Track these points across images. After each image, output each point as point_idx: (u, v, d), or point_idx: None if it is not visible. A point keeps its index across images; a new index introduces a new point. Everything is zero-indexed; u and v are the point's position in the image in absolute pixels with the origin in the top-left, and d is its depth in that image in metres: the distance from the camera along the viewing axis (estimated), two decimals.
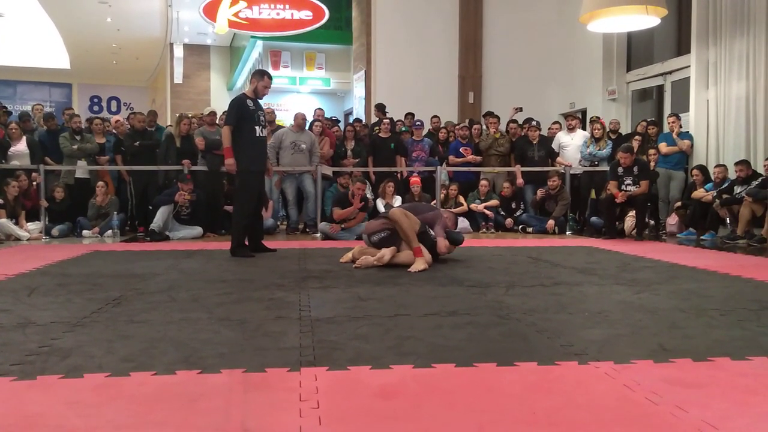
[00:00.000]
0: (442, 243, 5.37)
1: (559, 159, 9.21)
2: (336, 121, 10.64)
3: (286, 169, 8.54)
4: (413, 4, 12.26)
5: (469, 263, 5.41)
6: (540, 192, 8.84)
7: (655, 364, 2.44)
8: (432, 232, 5.38)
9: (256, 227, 6.35)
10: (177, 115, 9.49)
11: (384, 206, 8.28)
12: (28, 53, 21.80)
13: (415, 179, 8.70)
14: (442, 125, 10.38)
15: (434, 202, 8.55)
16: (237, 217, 6.23)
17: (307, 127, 8.88)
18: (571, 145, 9.24)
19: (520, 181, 9.06)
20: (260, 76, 6.24)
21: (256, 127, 6.09)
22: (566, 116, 9.76)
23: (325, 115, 10.20)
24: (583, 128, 9.94)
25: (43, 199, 8.06)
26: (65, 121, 9.06)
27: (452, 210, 7.90)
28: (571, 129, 9.40)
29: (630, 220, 7.88)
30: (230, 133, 6.02)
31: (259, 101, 6.25)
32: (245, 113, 6.05)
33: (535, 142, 9.14)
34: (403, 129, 9.78)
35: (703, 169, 8.23)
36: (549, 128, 9.85)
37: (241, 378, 2.26)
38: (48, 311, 3.41)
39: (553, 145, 9.36)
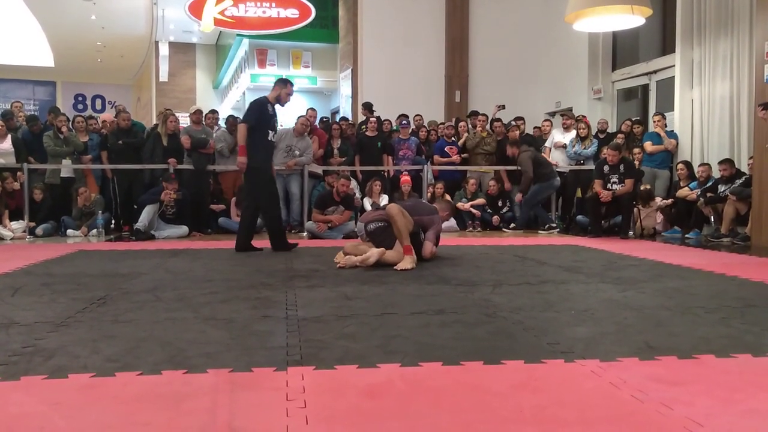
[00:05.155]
0: (428, 247, 5.35)
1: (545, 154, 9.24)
2: (328, 123, 10.58)
3: (275, 168, 8.49)
4: (400, 3, 12.25)
5: (456, 262, 5.41)
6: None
7: (640, 361, 2.45)
8: (423, 235, 5.38)
9: (251, 225, 6.40)
10: (162, 111, 9.32)
11: (371, 205, 8.27)
12: (11, 51, 21.56)
13: (405, 178, 8.69)
14: (424, 124, 10.37)
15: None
16: (268, 213, 6.37)
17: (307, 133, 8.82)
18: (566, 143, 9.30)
19: (507, 185, 9.12)
20: (284, 84, 6.36)
21: (270, 132, 6.25)
22: (563, 115, 9.73)
23: (319, 115, 10.15)
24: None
25: (27, 217, 7.96)
26: (49, 121, 8.98)
27: None
28: (566, 128, 9.44)
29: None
30: (246, 130, 6.12)
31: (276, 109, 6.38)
32: (264, 116, 6.19)
33: None
34: (394, 128, 9.77)
35: (688, 164, 8.30)
36: (536, 127, 9.87)
37: (228, 378, 2.25)
38: (32, 311, 3.38)
39: (547, 144, 9.42)
